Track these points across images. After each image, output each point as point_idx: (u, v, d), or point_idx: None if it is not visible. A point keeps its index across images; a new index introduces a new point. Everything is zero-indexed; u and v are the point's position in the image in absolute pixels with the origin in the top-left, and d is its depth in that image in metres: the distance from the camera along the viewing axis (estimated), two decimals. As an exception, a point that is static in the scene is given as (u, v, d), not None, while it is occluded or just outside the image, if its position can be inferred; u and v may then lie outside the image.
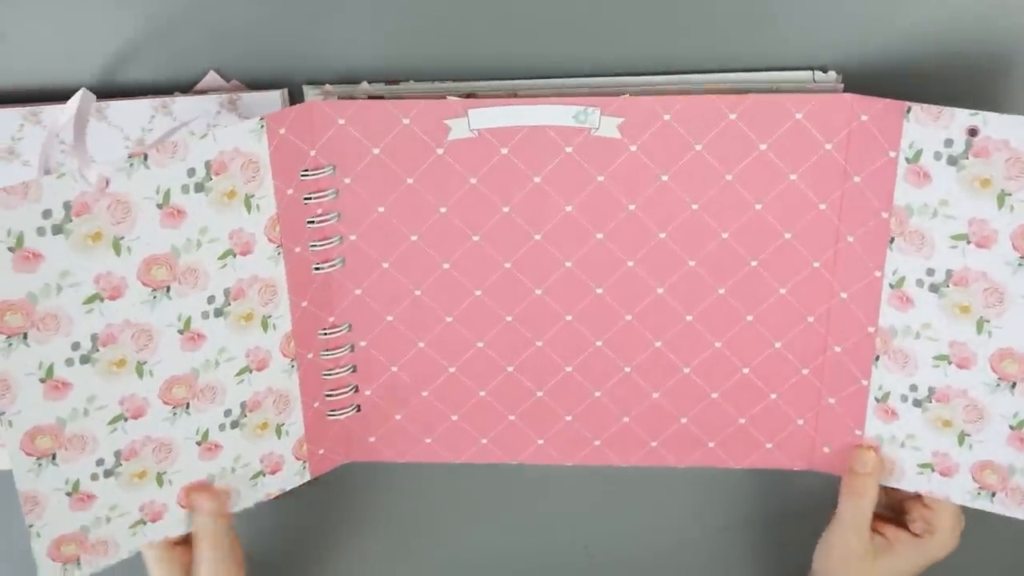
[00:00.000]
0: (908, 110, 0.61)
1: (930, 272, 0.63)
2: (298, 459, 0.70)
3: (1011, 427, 0.64)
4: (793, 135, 0.64)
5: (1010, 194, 0.59)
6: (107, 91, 0.65)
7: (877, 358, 0.67)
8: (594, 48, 0.65)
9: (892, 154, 0.62)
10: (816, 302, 0.68)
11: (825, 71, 0.65)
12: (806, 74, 0.65)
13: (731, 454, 0.72)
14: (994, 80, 0.66)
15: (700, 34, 0.65)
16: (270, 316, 0.65)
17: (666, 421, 0.71)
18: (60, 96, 0.64)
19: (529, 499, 0.78)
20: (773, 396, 0.70)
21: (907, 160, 0.62)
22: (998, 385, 0.64)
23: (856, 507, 0.69)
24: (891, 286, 0.65)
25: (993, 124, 0.59)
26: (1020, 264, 0.60)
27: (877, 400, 0.68)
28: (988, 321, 0.63)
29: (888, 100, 0.62)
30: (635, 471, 0.74)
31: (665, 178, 0.65)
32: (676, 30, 0.65)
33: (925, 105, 0.60)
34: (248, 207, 0.62)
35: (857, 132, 0.63)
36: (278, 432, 0.69)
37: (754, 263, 0.67)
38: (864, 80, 0.63)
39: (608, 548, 0.79)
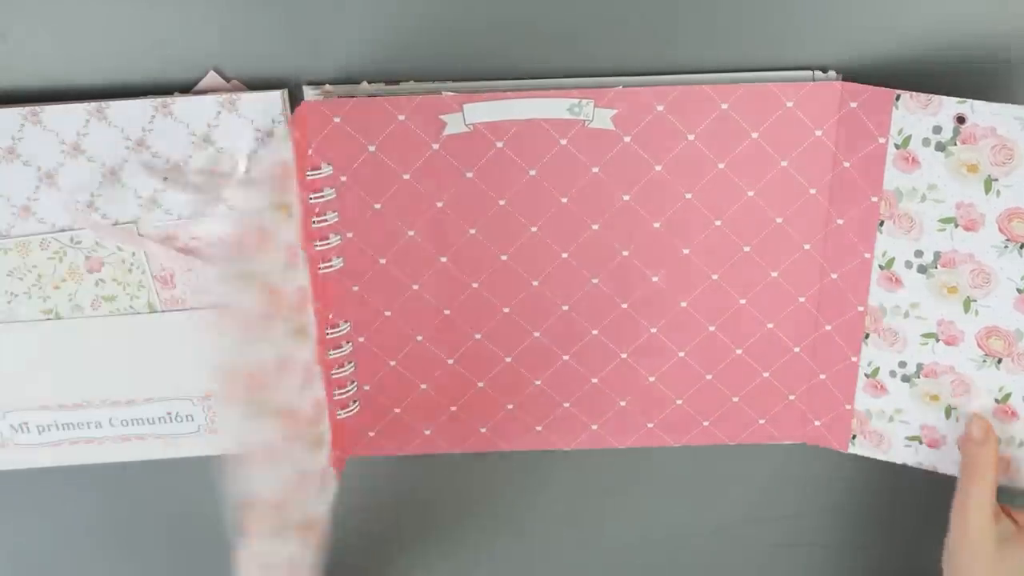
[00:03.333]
0: (897, 98, 0.62)
1: (919, 254, 0.64)
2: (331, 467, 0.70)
3: (996, 400, 0.66)
4: (784, 123, 0.65)
5: (996, 179, 0.61)
6: (107, 91, 0.64)
7: (867, 336, 0.68)
8: (593, 48, 0.65)
9: (882, 140, 0.63)
10: (807, 283, 0.69)
11: (825, 71, 0.65)
12: (806, 74, 0.65)
13: (725, 431, 0.73)
14: (994, 81, 0.66)
15: (699, 34, 0.65)
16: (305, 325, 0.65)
17: (662, 403, 0.73)
18: (60, 96, 0.64)
19: (528, 498, 0.78)
20: (766, 374, 0.72)
21: (896, 146, 0.63)
22: (984, 361, 0.65)
23: (973, 481, 0.64)
24: (881, 267, 0.66)
25: (980, 112, 0.60)
26: (1006, 246, 0.62)
27: (867, 376, 0.69)
28: (975, 300, 0.64)
29: (877, 88, 0.62)
30: (636, 471, 0.75)
31: (659, 168, 0.66)
32: (675, 30, 0.65)
33: (914, 93, 0.61)
34: (289, 215, 0.61)
35: (847, 119, 0.64)
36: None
37: (747, 248, 0.68)
38: (864, 80, 0.63)
39: (608, 547, 0.80)
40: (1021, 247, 0.62)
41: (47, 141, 0.64)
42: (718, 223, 0.67)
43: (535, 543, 0.80)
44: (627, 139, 0.65)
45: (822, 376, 0.71)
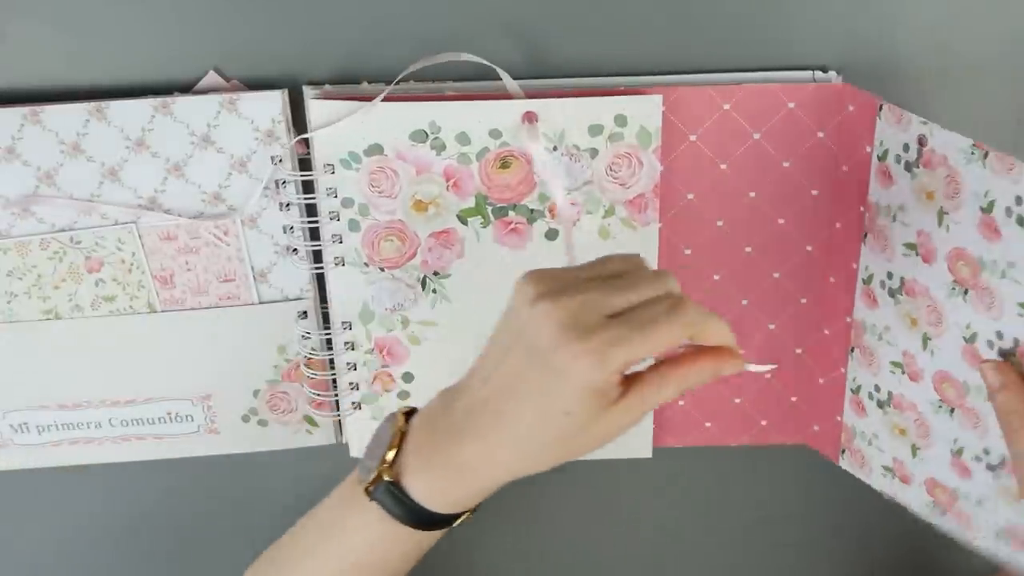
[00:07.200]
0: (880, 108, 0.60)
1: (890, 276, 0.62)
2: None
3: (952, 452, 0.61)
4: (786, 124, 0.64)
5: (947, 213, 0.57)
6: (107, 91, 0.65)
7: (852, 349, 0.67)
8: (594, 48, 0.64)
9: (868, 149, 0.61)
10: (810, 285, 0.68)
11: (825, 71, 0.64)
12: (806, 74, 0.64)
13: (728, 433, 0.73)
14: (994, 81, 0.64)
15: (700, 34, 0.64)
16: None
17: (664, 404, 0.72)
18: (60, 96, 0.65)
19: (529, 500, 0.78)
20: (768, 376, 0.72)
21: (878, 158, 0.61)
22: (940, 406, 0.61)
23: (1015, 437, 0.54)
24: (864, 281, 0.64)
25: (937, 137, 0.56)
26: (953, 288, 0.57)
27: (852, 392, 0.68)
28: (930, 339, 0.60)
29: (867, 94, 0.61)
30: (635, 471, 0.75)
31: (661, 169, 0.66)
32: (676, 30, 0.64)
33: (892, 105, 0.59)
34: None
35: (846, 122, 0.63)
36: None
37: (748, 249, 0.68)
38: (864, 81, 0.62)
39: (608, 548, 0.80)
40: (966, 292, 0.57)
41: (47, 141, 0.65)
42: (720, 223, 0.67)
43: (533, 544, 0.80)
44: (631, 139, 0.65)
45: (821, 380, 0.70)
